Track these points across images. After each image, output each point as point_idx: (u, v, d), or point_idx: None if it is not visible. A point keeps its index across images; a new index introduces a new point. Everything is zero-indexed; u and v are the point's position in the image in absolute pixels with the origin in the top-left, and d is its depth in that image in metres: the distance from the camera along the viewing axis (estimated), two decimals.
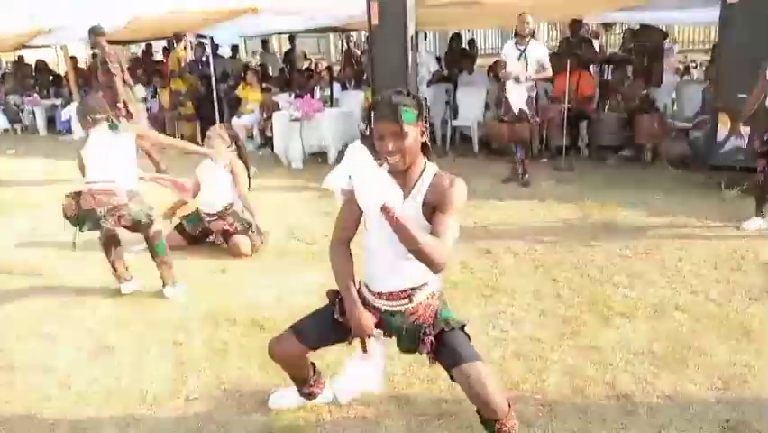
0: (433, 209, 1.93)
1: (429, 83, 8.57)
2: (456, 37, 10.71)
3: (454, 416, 2.46)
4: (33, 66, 13.20)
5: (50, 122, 11.24)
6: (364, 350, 2.14)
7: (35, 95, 11.45)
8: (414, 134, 1.91)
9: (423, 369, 2.78)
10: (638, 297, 3.47)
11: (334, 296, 2.25)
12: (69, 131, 9.79)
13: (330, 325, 2.21)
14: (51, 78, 12.97)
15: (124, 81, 6.70)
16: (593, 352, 2.90)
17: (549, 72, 5.85)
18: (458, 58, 9.57)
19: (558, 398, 2.55)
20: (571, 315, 3.28)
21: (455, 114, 8.06)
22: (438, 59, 10.08)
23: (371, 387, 2.26)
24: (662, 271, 3.82)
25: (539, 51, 5.80)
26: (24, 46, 10.82)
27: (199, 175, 4.55)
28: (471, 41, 10.97)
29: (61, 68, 12.83)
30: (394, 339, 2.20)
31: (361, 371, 2.20)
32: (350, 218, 2.14)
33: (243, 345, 3.10)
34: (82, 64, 13.36)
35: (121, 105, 6.66)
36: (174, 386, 2.77)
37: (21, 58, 13.29)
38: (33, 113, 11.44)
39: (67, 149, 9.35)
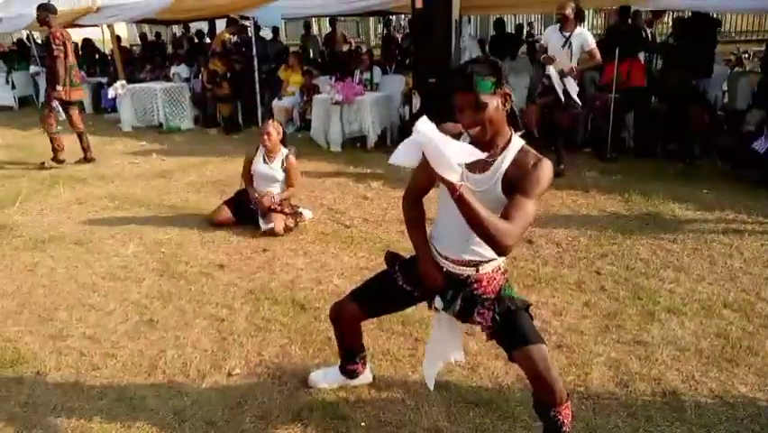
0: (512, 186, 1.82)
1: None
2: (499, 22, 10.53)
3: (495, 404, 2.44)
4: (80, 44, 13.48)
5: (96, 100, 11.48)
6: (430, 307, 2.11)
7: (82, 73, 11.69)
8: (494, 104, 1.78)
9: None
10: (685, 292, 3.37)
11: (394, 260, 2.20)
12: (114, 109, 9.97)
13: (390, 291, 2.17)
14: (97, 56, 13.24)
15: (66, 65, 6.51)
16: (638, 346, 2.83)
17: (598, 59, 5.66)
18: (502, 43, 9.41)
19: (601, 392, 2.51)
20: (615, 308, 3.21)
21: None
22: (481, 41, 9.94)
23: (455, 357, 2.24)
24: (710, 267, 3.71)
25: (585, 38, 5.60)
26: (73, 24, 11.03)
27: (254, 170, 4.62)
28: (520, 27, 10.76)
29: (107, 46, 13.08)
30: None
31: (439, 347, 2.19)
32: (424, 177, 2.03)
33: (285, 323, 3.13)
34: (126, 43, 13.60)
35: (60, 87, 6.54)
36: (216, 361, 2.82)
37: None
38: None
39: (111, 126, 9.56)
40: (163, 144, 8.11)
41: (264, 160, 4.58)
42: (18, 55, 13.70)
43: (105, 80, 11.42)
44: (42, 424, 2.41)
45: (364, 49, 10.82)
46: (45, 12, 6.58)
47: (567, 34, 5.57)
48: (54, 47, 6.43)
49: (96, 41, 13.70)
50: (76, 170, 6.65)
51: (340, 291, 3.46)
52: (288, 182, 4.60)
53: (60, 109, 6.89)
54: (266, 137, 4.47)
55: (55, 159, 6.94)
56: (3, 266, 4.02)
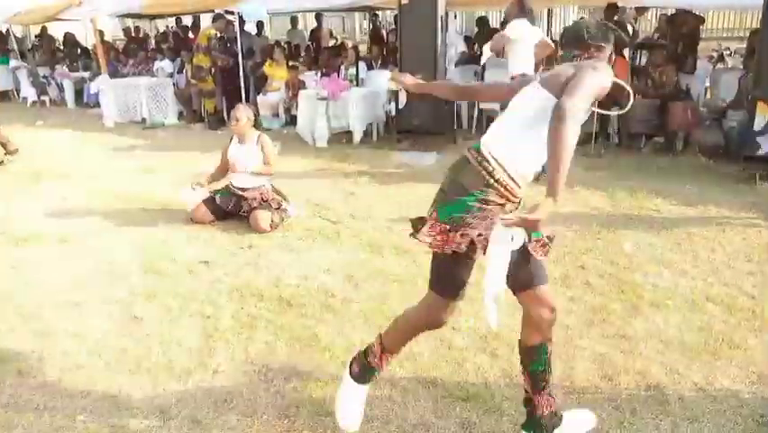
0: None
1: (457, 64, 8.47)
2: (483, 19, 10.57)
3: (481, 399, 2.45)
4: (62, 39, 13.29)
5: (78, 95, 11.34)
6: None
7: (64, 67, 11.54)
8: None
9: (450, 351, 2.78)
10: (669, 287, 3.41)
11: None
12: (97, 104, 9.86)
13: (466, 263, 2.01)
14: (79, 51, 13.05)
15: None
16: (622, 340, 2.86)
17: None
18: (486, 40, 9.42)
19: (587, 385, 2.53)
20: (599, 303, 3.24)
21: None
22: (467, 38, 9.96)
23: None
24: (693, 261, 3.75)
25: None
26: (56, 18, 10.89)
27: (230, 155, 4.59)
28: (505, 23, 10.78)
29: (89, 41, 12.91)
30: None
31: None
32: None
33: (270, 320, 3.11)
34: (109, 38, 13.42)
35: None
36: (202, 359, 2.80)
37: (44, 29, 13.32)
38: (61, 85, 11.54)
39: (94, 122, 9.45)
40: (147, 140, 8.04)
41: (239, 144, 4.61)
42: None
43: (87, 75, 11.28)
44: (25, 424, 2.37)
45: (350, 44, 10.79)
46: None
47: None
48: None
49: (79, 35, 13.52)
50: (59, 166, 6.56)
51: (326, 288, 3.46)
52: (264, 161, 4.57)
53: None
54: (234, 122, 4.52)
55: (8, 152, 6.83)
56: None
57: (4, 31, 13.35)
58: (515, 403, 2.38)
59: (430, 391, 2.51)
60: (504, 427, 2.30)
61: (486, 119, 8.14)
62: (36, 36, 14.28)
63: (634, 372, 2.61)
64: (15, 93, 12.35)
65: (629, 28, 8.58)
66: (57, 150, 7.44)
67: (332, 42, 11.87)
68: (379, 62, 9.02)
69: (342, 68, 8.47)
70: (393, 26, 12.01)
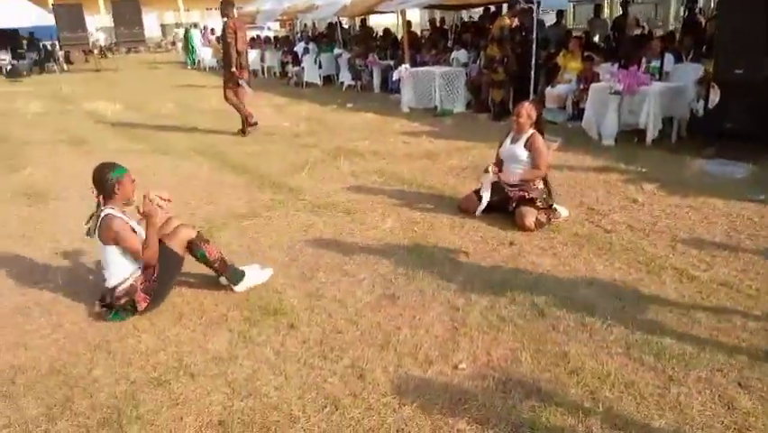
0: None
1: None
2: None
3: None
4: (381, 31, 14.83)
5: (384, 81, 12.51)
6: None
7: (374, 56, 12.84)
8: None
9: (729, 412, 2.26)
10: None
11: None
12: (398, 90, 10.72)
13: None
14: (392, 41, 14.39)
15: (238, 50, 7.72)
16: None
17: None
18: None
19: None
20: None
21: None
22: None
23: None
24: None
25: None
26: (373, 11, 12.17)
27: (501, 150, 4.58)
28: None
29: (399, 32, 14.12)
30: None
31: None
32: None
33: (519, 326, 2.96)
34: (417, 29, 14.51)
35: (234, 69, 7.79)
36: (445, 351, 2.79)
37: (363, 21, 14.98)
38: (372, 72, 12.88)
39: (393, 106, 10.30)
40: (434, 126, 8.44)
41: (512, 140, 4.52)
42: (327, 39, 15.65)
43: (392, 63, 12.35)
44: (287, 373, 2.67)
45: (659, 33, 9.68)
46: (229, 6, 7.80)
47: None
48: (227, 35, 7.73)
49: (392, 25, 14.91)
50: (356, 146, 7.31)
51: (586, 303, 3.16)
52: (532, 163, 4.37)
53: (245, 84, 8.11)
54: (515, 117, 4.44)
55: (249, 124, 8.22)
56: (285, 223, 4.63)
57: (334, 22, 15.47)
58: None
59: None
60: None
61: None
62: (359, 27, 16.21)
63: None
64: (335, 77, 14.20)
65: None
66: (356, 130, 8.30)
67: (637, 31, 10.82)
68: (691, 54, 7.88)
69: (644, 59, 7.63)
70: (715, 13, 10.42)
